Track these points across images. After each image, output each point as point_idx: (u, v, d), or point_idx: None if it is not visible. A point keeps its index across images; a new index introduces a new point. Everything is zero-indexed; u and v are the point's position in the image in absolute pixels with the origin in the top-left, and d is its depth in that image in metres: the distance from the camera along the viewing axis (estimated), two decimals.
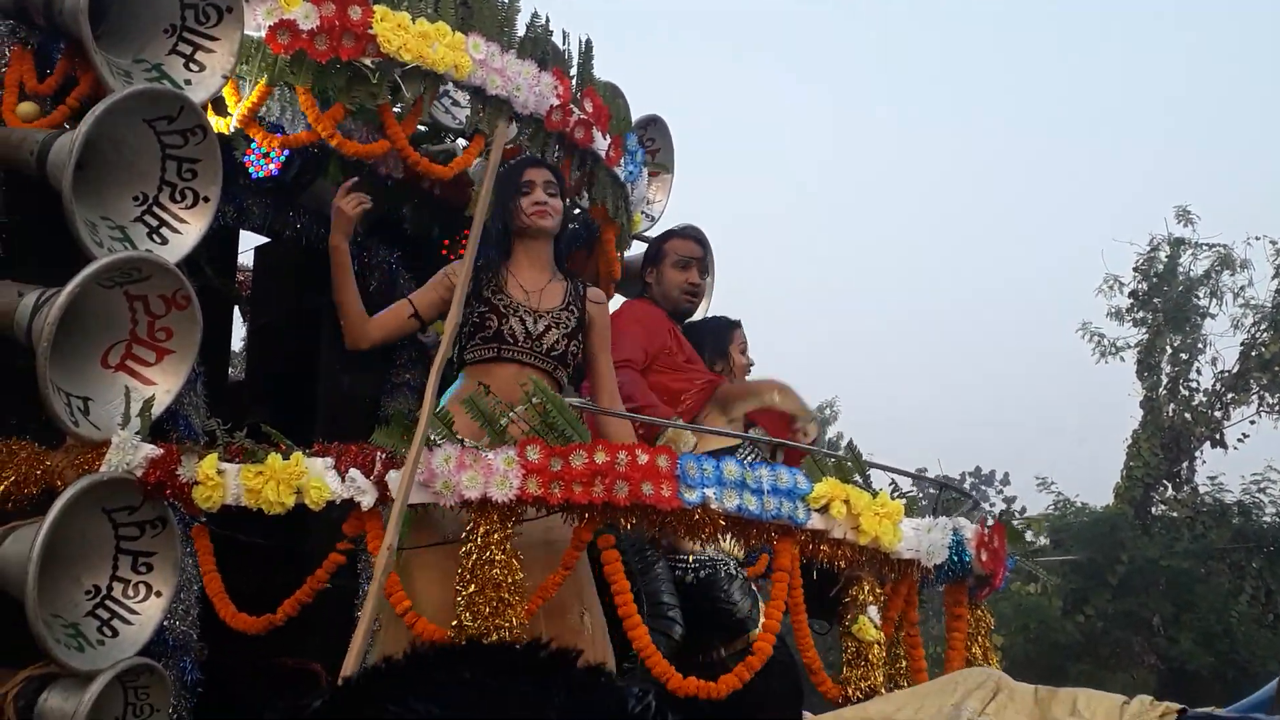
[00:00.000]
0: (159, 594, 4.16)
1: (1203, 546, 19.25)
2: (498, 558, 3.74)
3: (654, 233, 6.69)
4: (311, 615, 4.33)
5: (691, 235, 5.94)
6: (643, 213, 6.42)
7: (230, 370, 6.73)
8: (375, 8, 4.75)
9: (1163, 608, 18.94)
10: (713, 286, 6.87)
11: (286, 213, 5.61)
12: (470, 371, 4.57)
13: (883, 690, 4.39)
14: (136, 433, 4.08)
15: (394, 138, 5.00)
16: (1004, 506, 23.03)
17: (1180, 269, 21.10)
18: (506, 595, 3.71)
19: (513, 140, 5.22)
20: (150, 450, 4.05)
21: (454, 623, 3.75)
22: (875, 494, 4.37)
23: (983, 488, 26.26)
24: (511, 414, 3.92)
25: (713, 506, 3.94)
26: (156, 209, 4.40)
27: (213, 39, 4.54)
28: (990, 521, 5.06)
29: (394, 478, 3.83)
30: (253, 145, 5.19)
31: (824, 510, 4.18)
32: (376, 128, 5.14)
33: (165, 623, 4.31)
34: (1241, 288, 20.71)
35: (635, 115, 6.16)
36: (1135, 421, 20.71)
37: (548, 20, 5.33)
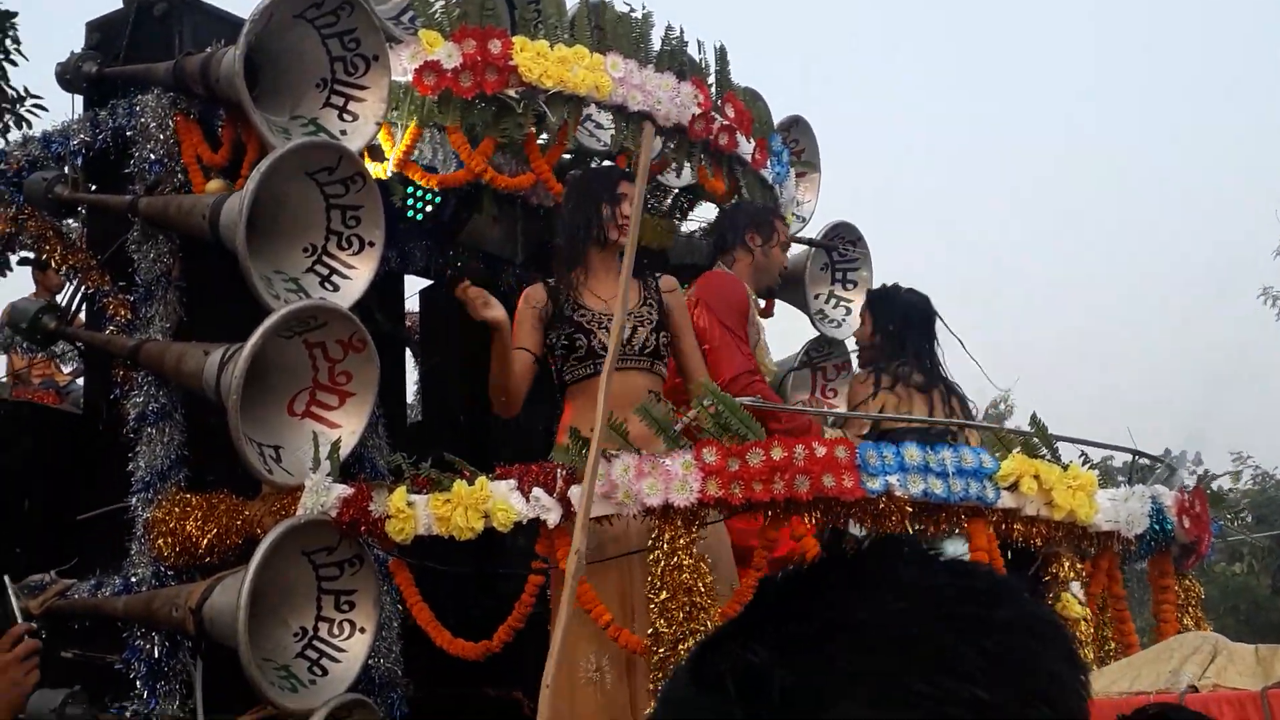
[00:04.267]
0: (363, 630, 4.27)
1: None
2: (685, 562, 3.74)
3: (806, 232, 6.67)
4: (508, 645, 4.39)
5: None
6: (793, 214, 6.39)
7: (406, 416, 6.89)
8: (514, 39, 4.85)
9: None
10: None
11: (447, 252, 5.74)
12: (573, 392, 4.44)
13: (1095, 667, 4.25)
14: (328, 475, 4.20)
15: (538, 169, 5.09)
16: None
17: None
18: (699, 599, 3.71)
19: (657, 155, 5.25)
20: (342, 490, 4.16)
21: (650, 630, 3.76)
22: (1066, 467, 4.26)
23: (1177, 470, 25.30)
24: (685, 418, 3.92)
25: (897, 493, 3.88)
26: (326, 258, 4.55)
27: (363, 88, 4.68)
28: (1190, 487, 4.88)
29: (575, 493, 3.87)
30: (409, 189, 5.32)
31: (1013, 488, 4.08)
32: (524, 160, 5.22)
33: (370, 661, 4.43)
34: None
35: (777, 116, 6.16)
36: None
37: (682, 31, 5.37)
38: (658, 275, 4.76)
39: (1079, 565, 4.35)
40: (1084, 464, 4.39)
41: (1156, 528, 4.49)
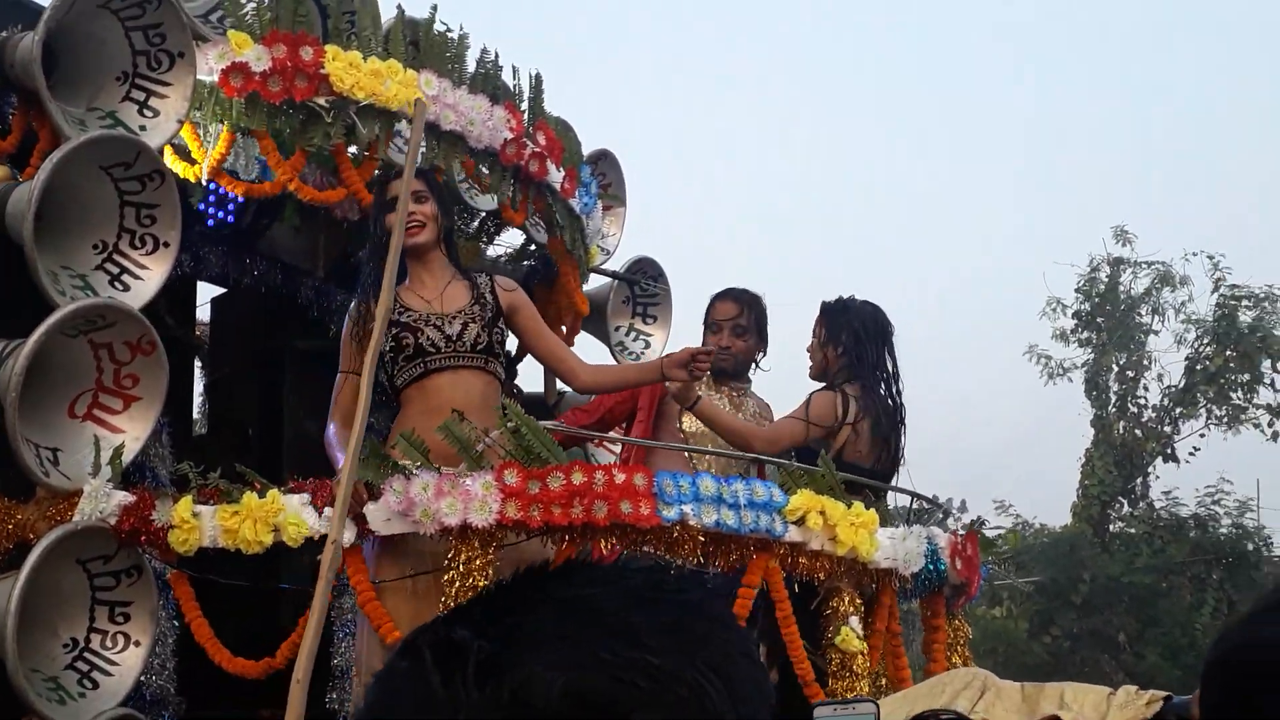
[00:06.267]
0: (138, 644, 4.12)
1: (1163, 561, 19.41)
2: (480, 584, 3.72)
3: (610, 265, 6.76)
4: (285, 665, 4.30)
5: (731, 296, 5.46)
6: (598, 246, 6.46)
7: (192, 427, 6.68)
8: (326, 48, 4.78)
9: (1127, 624, 19.08)
10: (670, 316, 6.92)
11: (244, 260, 5.60)
12: (407, 395, 4.34)
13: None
14: (108, 481, 4.04)
15: (349, 181, 5.02)
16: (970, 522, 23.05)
17: (1121, 288, 21.40)
18: None
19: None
20: (123, 497, 4.01)
21: None
22: (850, 505, 4.40)
23: (949, 514, 26.33)
24: (488, 439, 3.92)
25: (691, 522, 3.96)
26: (117, 256, 4.39)
27: (166, 84, 4.54)
28: (963, 531, 5.11)
29: (372, 510, 3.82)
30: (208, 193, 5.17)
31: (800, 522, 4.20)
32: (332, 171, 5.15)
33: (142, 677, 4.26)
34: (1182, 303, 21.01)
35: (586, 150, 6.22)
36: (1087, 441, 20.92)
37: (497, 56, 5.39)
38: (493, 275, 4.66)
39: (858, 600, 4.50)
40: (866, 503, 4.55)
41: (931, 567, 4.68)
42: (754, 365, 5.44)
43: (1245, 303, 20.18)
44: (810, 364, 5.30)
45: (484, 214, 6.10)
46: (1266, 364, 19.90)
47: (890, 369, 5.17)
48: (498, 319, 4.46)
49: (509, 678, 0.83)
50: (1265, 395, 20.03)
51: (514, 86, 5.48)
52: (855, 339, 5.11)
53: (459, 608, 0.92)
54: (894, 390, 5.14)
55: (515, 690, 0.83)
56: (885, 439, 5.06)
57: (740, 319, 5.34)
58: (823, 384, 5.19)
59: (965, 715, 3.53)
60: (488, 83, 5.28)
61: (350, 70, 4.78)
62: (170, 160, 4.73)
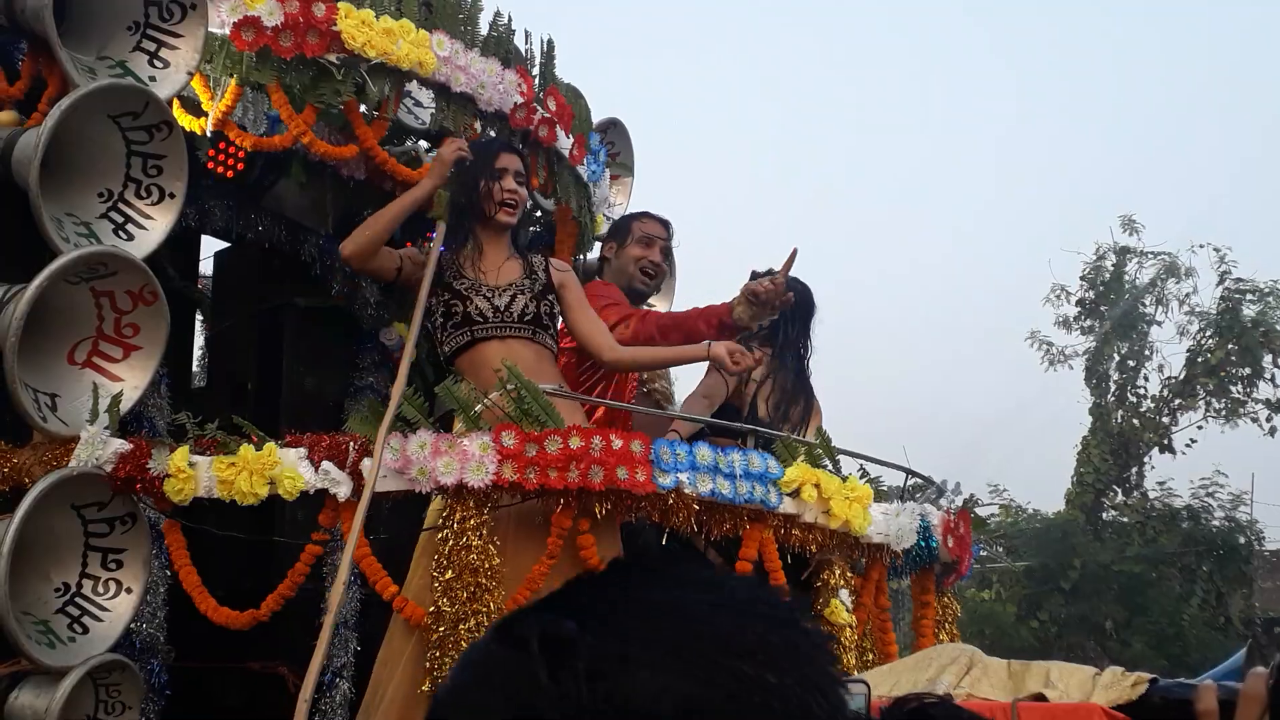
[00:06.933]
0: (129, 590, 4.13)
1: (1154, 551, 19.47)
2: (474, 543, 3.74)
3: None
4: (276, 618, 4.32)
5: (659, 218, 5.66)
6: (605, 215, 6.44)
7: (190, 380, 6.68)
8: (339, 4, 4.77)
9: (1115, 612, 19.14)
10: (673, 286, 6.91)
11: (249, 214, 5.59)
12: (458, 364, 4.48)
13: (856, 673, 4.42)
14: (105, 428, 4.05)
15: (363, 138, 5.01)
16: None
17: (1126, 277, 21.39)
18: (484, 580, 3.72)
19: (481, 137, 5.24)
20: (120, 445, 4.03)
21: (431, 608, 3.75)
22: (845, 479, 4.42)
23: (944, 493, 26.33)
24: (487, 400, 3.92)
25: (686, 491, 3.97)
26: (122, 205, 4.38)
27: (177, 35, 4.53)
28: (956, 509, 5.12)
29: (367, 465, 3.83)
30: (215, 146, 5.17)
31: (795, 494, 4.22)
32: (340, 129, 5.14)
33: (132, 624, 4.29)
34: (1186, 295, 21.03)
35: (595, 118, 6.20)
36: (1085, 428, 20.95)
37: (510, 20, 5.37)
38: (548, 257, 4.82)
39: (849, 574, 4.52)
40: (862, 478, 4.56)
41: (923, 544, 4.70)
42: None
43: (1249, 296, 20.19)
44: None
45: None
46: (1268, 358, 19.91)
47: (806, 348, 5.38)
48: (547, 293, 4.58)
49: (622, 682, 0.83)
50: (1265, 390, 20.08)
51: (526, 51, 5.48)
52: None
53: (549, 598, 0.91)
54: (804, 367, 5.35)
55: (629, 695, 0.83)
56: (788, 406, 5.23)
57: (669, 242, 5.64)
58: None
59: (950, 696, 3.55)
60: (500, 46, 5.27)
61: (362, 28, 4.77)
62: (176, 113, 4.72)
